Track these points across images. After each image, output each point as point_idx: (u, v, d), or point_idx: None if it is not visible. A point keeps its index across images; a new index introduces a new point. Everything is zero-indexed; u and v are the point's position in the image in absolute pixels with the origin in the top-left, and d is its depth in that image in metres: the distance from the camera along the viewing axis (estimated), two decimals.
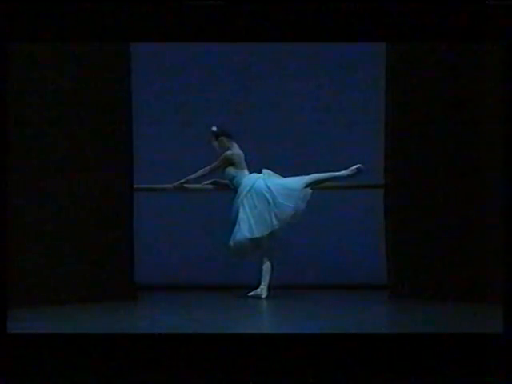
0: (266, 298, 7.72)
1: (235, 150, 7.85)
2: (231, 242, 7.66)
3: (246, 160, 7.86)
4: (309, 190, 7.65)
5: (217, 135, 7.89)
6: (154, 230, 8.72)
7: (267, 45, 8.08)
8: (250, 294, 7.78)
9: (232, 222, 7.73)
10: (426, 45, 7.38)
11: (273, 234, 7.65)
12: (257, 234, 7.62)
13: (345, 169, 7.79)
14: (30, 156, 7.22)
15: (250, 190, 7.69)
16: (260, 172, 7.83)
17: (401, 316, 6.94)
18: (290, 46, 8.25)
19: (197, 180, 7.90)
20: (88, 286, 7.45)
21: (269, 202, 7.61)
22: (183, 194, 8.41)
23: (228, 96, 8.82)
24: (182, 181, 7.90)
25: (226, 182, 7.92)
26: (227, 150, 7.86)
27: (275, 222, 7.59)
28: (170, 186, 7.99)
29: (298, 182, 7.68)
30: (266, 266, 7.74)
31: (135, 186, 7.82)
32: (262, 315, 7.29)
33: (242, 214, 7.65)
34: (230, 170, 7.80)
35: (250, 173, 7.83)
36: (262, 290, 7.75)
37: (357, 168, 7.69)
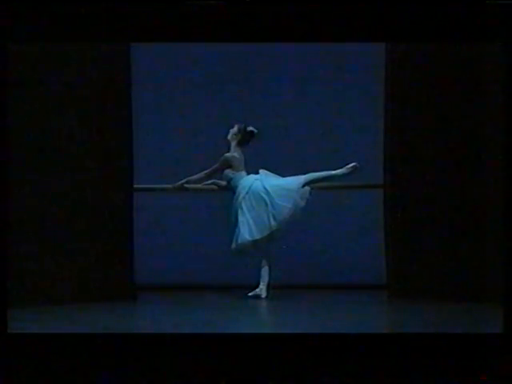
0: (266, 297, 7.73)
1: (235, 153, 7.85)
2: (233, 245, 7.68)
3: (245, 161, 7.85)
4: (307, 188, 7.65)
5: (243, 138, 7.87)
6: (154, 230, 8.71)
7: (267, 45, 8.08)
8: (250, 294, 7.78)
9: (232, 224, 7.74)
10: (426, 45, 7.38)
11: (272, 234, 7.65)
12: (257, 236, 7.62)
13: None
14: (30, 156, 7.22)
15: (247, 193, 7.70)
16: (257, 172, 7.82)
17: (401, 316, 6.94)
18: (290, 45, 8.25)
19: (197, 181, 7.90)
20: (88, 286, 7.45)
21: (266, 204, 7.62)
22: (183, 194, 8.41)
23: (228, 96, 8.81)
24: (183, 181, 7.90)
25: (225, 183, 7.91)
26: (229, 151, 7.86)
27: (273, 222, 7.60)
28: (170, 186, 7.99)
29: (294, 181, 7.68)
30: (265, 265, 7.75)
31: (135, 185, 7.83)
32: (261, 315, 7.29)
33: (241, 217, 7.67)
34: (228, 172, 7.81)
35: (249, 174, 7.83)
36: (262, 290, 7.75)
37: (352, 166, 7.68)
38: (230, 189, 7.82)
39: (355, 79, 8.73)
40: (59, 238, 7.33)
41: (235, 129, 7.88)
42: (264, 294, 7.75)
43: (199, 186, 7.98)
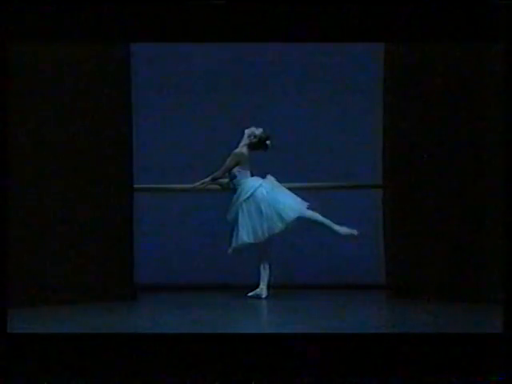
0: (266, 297, 7.73)
1: (244, 150, 7.84)
2: (234, 244, 7.69)
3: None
4: (306, 214, 7.65)
5: (257, 144, 7.87)
6: (154, 230, 8.71)
7: (267, 45, 8.08)
8: (250, 294, 7.78)
9: (231, 223, 7.75)
10: (426, 45, 7.38)
11: (269, 238, 7.69)
12: (254, 240, 7.66)
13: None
14: (30, 156, 7.22)
15: (249, 197, 7.70)
16: (263, 175, 7.81)
17: (401, 316, 6.94)
18: (290, 46, 8.24)
19: (217, 179, 7.86)
20: (88, 286, 7.45)
21: (262, 214, 7.64)
22: (183, 195, 8.43)
23: (228, 96, 8.81)
24: (207, 179, 7.85)
25: (226, 180, 7.88)
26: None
27: (266, 234, 7.64)
28: (190, 185, 7.94)
29: (295, 209, 7.64)
30: (265, 266, 7.75)
31: (135, 186, 7.82)
32: (261, 315, 7.29)
33: (241, 219, 7.69)
34: (234, 169, 7.79)
35: (252, 175, 7.82)
36: (262, 290, 7.76)
37: (352, 233, 7.64)
38: (232, 186, 7.82)
39: (355, 79, 8.71)
40: (59, 238, 7.33)
41: (257, 132, 7.86)
42: (264, 294, 7.75)
43: (201, 186, 7.94)
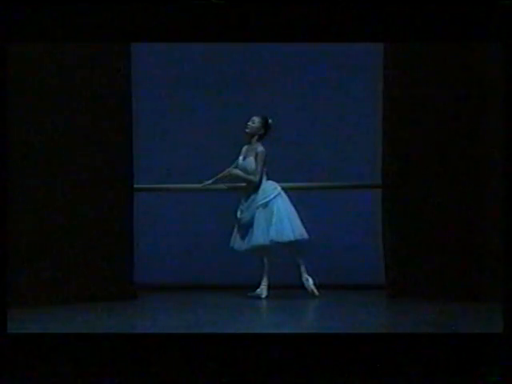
0: (266, 297, 7.73)
1: (262, 147, 7.81)
2: (248, 245, 7.71)
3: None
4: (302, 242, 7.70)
5: (266, 131, 7.85)
6: (154, 230, 8.71)
7: (267, 45, 8.08)
8: (250, 294, 7.78)
9: (244, 223, 7.76)
10: (426, 45, 7.38)
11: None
12: (269, 243, 7.66)
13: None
14: (30, 156, 7.22)
15: (268, 203, 7.69)
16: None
17: (401, 316, 6.94)
18: (290, 46, 8.24)
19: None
20: (88, 286, 7.45)
21: (269, 225, 7.64)
22: (183, 195, 8.44)
23: (228, 96, 8.81)
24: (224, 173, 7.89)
25: (229, 174, 7.88)
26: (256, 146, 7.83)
27: (267, 242, 7.66)
28: (199, 185, 7.95)
29: (295, 232, 7.65)
30: (265, 265, 7.75)
31: (135, 186, 7.83)
32: (261, 315, 7.29)
33: (257, 220, 7.67)
34: (258, 166, 7.74)
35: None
36: (262, 290, 7.76)
37: (313, 291, 7.65)
38: (246, 182, 7.79)
39: (355, 79, 8.72)
40: (59, 238, 7.34)
41: (257, 123, 7.80)
42: (264, 294, 7.75)
43: (211, 185, 7.95)
